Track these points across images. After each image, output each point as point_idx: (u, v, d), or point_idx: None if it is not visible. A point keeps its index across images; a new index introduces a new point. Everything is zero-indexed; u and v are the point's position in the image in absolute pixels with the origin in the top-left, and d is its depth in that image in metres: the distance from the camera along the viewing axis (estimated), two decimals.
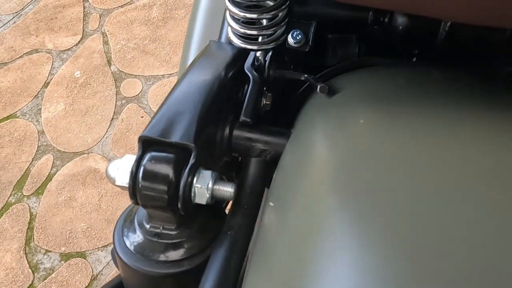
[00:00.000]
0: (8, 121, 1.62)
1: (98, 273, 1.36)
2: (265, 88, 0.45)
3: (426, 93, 0.35)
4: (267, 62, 0.45)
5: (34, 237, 1.43)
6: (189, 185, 0.34)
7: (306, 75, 0.43)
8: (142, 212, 0.39)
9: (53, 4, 1.89)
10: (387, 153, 0.28)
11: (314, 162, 0.31)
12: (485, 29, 0.42)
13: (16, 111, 1.63)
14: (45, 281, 1.35)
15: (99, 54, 1.74)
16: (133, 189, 0.34)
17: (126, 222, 0.40)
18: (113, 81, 1.67)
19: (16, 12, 1.87)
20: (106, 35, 1.79)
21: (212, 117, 0.38)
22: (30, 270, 1.37)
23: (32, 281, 1.35)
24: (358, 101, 0.36)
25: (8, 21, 1.85)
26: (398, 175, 0.26)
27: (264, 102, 0.44)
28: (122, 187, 0.36)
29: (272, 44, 0.42)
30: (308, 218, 0.26)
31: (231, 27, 0.42)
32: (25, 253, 1.41)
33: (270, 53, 0.45)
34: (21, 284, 1.36)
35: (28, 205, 1.47)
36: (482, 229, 0.24)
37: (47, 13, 1.87)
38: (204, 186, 0.35)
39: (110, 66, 1.71)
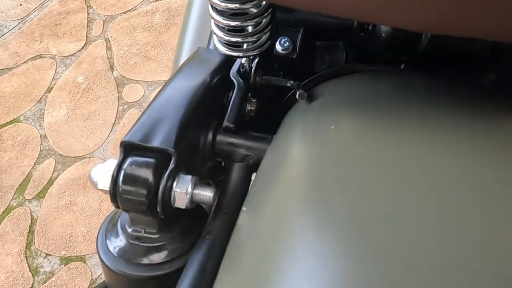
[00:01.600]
0: (11, 125, 1.63)
1: (98, 277, 1.37)
2: (250, 95, 0.45)
3: (405, 99, 0.36)
4: (253, 68, 0.45)
5: (35, 240, 1.44)
6: (169, 190, 0.35)
7: (291, 82, 0.44)
8: (125, 216, 0.39)
9: (57, 10, 1.91)
10: (358, 157, 0.28)
11: (286, 166, 0.31)
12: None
13: (20, 116, 1.65)
14: (45, 284, 1.36)
15: (102, 59, 1.76)
16: (114, 193, 0.35)
17: (109, 226, 0.40)
18: (115, 86, 1.69)
19: (22, 18, 1.90)
20: (109, 41, 1.81)
21: (194, 123, 0.39)
22: (30, 274, 1.38)
23: (32, 285, 1.36)
24: (336, 106, 0.36)
25: (14, 27, 1.88)
26: (366, 179, 0.27)
27: (249, 108, 0.45)
28: (103, 191, 0.36)
29: (256, 50, 0.43)
30: (276, 220, 0.27)
31: (216, 34, 0.43)
32: (26, 256, 1.41)
33: (256, 60, 0.46)
34: (21, 287, 1.37)
35: (30, 209, 1.48)
36: (449, 232, 0.24)
37: (51, 19, 1.89)
38: (183, 191, 0.35)
39: (112, 72, 1.72)
